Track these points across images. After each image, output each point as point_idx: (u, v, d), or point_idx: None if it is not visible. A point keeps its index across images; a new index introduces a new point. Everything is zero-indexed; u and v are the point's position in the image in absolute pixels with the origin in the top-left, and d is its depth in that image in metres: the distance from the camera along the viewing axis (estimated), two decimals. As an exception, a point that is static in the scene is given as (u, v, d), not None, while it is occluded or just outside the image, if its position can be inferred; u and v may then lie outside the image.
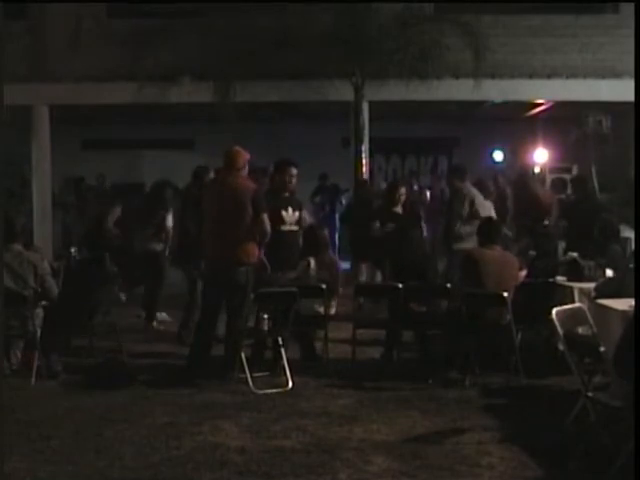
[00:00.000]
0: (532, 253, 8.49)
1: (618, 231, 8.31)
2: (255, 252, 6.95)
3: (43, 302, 7.19)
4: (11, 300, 6.55)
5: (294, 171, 7.58)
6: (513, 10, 13.42)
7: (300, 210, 7.69)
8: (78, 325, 7.46)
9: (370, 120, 13.36)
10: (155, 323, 9.42)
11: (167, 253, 9.82)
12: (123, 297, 9.91)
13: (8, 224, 6.85)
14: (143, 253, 9.53)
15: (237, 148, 7.14)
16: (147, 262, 9.53)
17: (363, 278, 10.35)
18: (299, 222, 7.63)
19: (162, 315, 9.53)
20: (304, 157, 15.67)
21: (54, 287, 7.30)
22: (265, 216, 6.88)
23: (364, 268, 10.53)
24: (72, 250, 9.27)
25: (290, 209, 7.51)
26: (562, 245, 9.36)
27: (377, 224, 9.41)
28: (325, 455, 5.10)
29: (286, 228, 7.47)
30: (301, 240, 7.74)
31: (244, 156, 7.06)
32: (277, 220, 7.29)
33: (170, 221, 9.69)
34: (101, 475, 4.83)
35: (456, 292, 7.12)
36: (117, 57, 12.83)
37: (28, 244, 8.36)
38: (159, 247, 9.57)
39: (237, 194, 6.88)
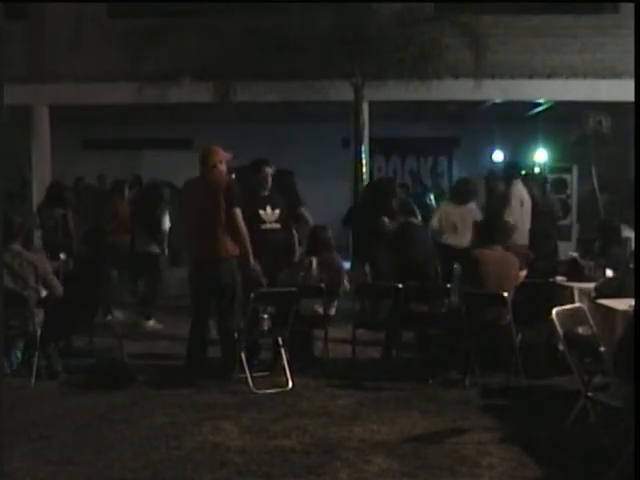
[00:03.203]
0: (531, 256, 8.49)
1: (619, 232, 8.31)
2: (235, 247, 6.91)
3: (45, 302, 7.20)
4: (11, 300, 6.54)
5: (268, 170, 7.54)
6: (513, 10, 13.45)
7: (281, 208, 7.57)
8: (78, 325, 7.45)
9: (370, 120, 13.37)
10: (151, 322, 9.40)
11: (166, 254, 9.80)
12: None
13: (6, 224, 6.85)
14: (141, 255, 9.55)
15: (211, 146, 7.13)
16: (144, 264, 9.56)
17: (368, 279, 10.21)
18: (280, 220, 7.53)
19: (150, 323, 9.45)
20: (304, 157, 15.83)
21: (59, 285, 7.29)
22: (237, 210, 6.85)
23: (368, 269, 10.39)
24: (61, 256, 8.76)
25: (269, 208, 7.45)
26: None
27: (385, 219, 9.26)
28: (325, 455, 5.09)
29: (266, 227, 7.42)
30: (294, 239, 7.69)
31: (218, 153, 7.03)
32: (256, 219, 7.28)
33: (167, 222, 9.66)
34: (101, 475, 4.83)
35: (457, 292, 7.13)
36: (117, 57, 12.85)
37: (28, 244, 8.32)
38: (156, 249, 9.56)
39: (210, 189, 6.88)
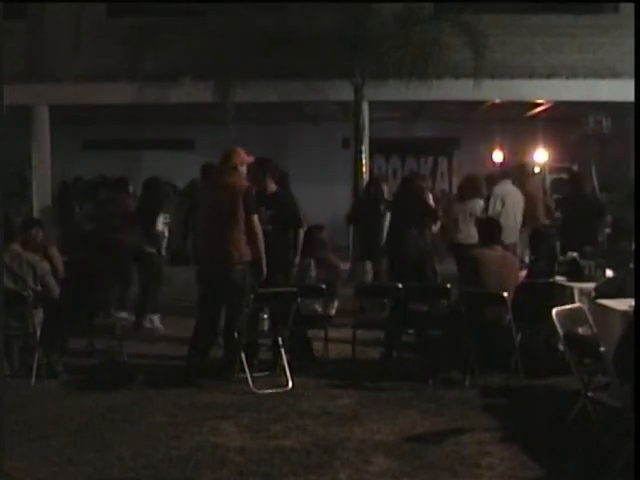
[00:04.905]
0: (532, 257, 8.48)
1: (629, 227, 8.31)
2: (249, 251, 6.88)
3: (43, 302, 7.20)
4: (11, 300, 6.55)
5: (253, 169, 7.35)
6: (513, 10, 13.44)
7: (277, 209, 7.43)
8: (77, 325, 7.45)
9: (370, 120, 13.37)
10: (148, 323, 9.35)
11: (162, 254, 9.74)
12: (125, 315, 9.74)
13: (6, 224, 6.86)
14: (136, 254, 9.55)
15: (235, 147, 7.10)
16: (140, 263, 9.56)
17: (369, 277, 10.19)
18: (273, 221, 7.39)
19: (154, 318, 9.39)
20: (304, 157, 15.84)
21: (55, 286, 7.30)
22: (255, 217, 6.85)
23: (369, 267, 10.35)
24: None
25: (262, 209, 7.29)
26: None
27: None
28: (325, 455, 5.09)
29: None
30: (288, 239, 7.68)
31: (241, 155, 7.00)
32: None
33: (160, 222, 9.61)
34: (101, 475, 4.83)
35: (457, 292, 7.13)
36: (117, 57, 12.85)
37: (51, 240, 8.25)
38: (152, 249, 9.53)
39: (228, 192, 6.84)
